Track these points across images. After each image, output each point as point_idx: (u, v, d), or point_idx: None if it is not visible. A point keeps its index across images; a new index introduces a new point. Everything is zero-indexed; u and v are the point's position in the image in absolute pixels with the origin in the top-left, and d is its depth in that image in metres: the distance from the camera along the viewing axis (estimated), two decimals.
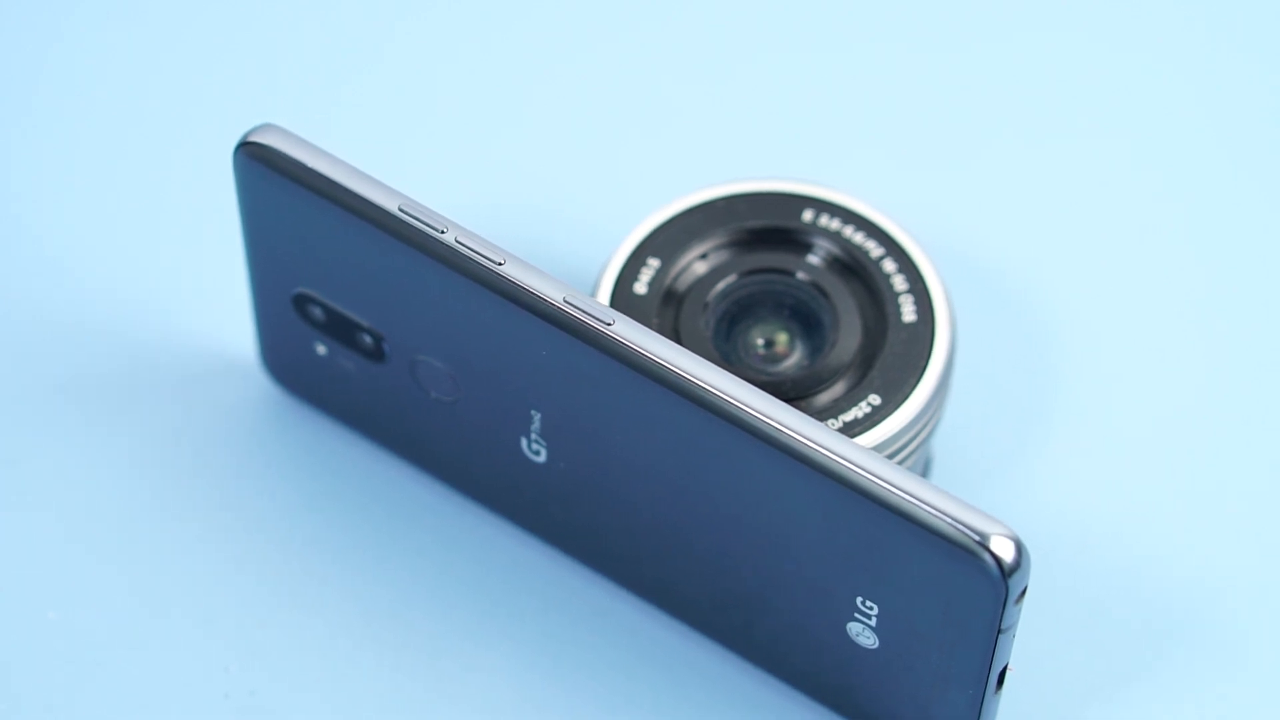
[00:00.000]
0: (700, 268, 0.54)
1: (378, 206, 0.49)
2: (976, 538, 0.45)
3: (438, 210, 0.49)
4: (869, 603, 0.48)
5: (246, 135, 0.50)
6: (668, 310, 0.53)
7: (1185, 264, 0.60)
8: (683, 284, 0.53)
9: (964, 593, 0.46)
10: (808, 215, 0.54)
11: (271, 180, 0.50)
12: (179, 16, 0.63)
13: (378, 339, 0.52)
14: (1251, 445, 0.56)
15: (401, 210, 0.49)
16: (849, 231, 0.54)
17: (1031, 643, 0.52)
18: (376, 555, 0.54)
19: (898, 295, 0.53)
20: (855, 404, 0.51)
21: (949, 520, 0.45)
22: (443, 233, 0.48)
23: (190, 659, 0.53)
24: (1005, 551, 0.45)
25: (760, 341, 0.53)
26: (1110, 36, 0.64)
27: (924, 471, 0.55)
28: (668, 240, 0.54)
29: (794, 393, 0.52)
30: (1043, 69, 0.63)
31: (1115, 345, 0.58)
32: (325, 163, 0.49)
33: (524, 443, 0.51)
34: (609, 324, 0.47)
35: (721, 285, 0.53)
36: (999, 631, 0.46)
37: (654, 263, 0.53)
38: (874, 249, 0.53)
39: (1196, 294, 0.59)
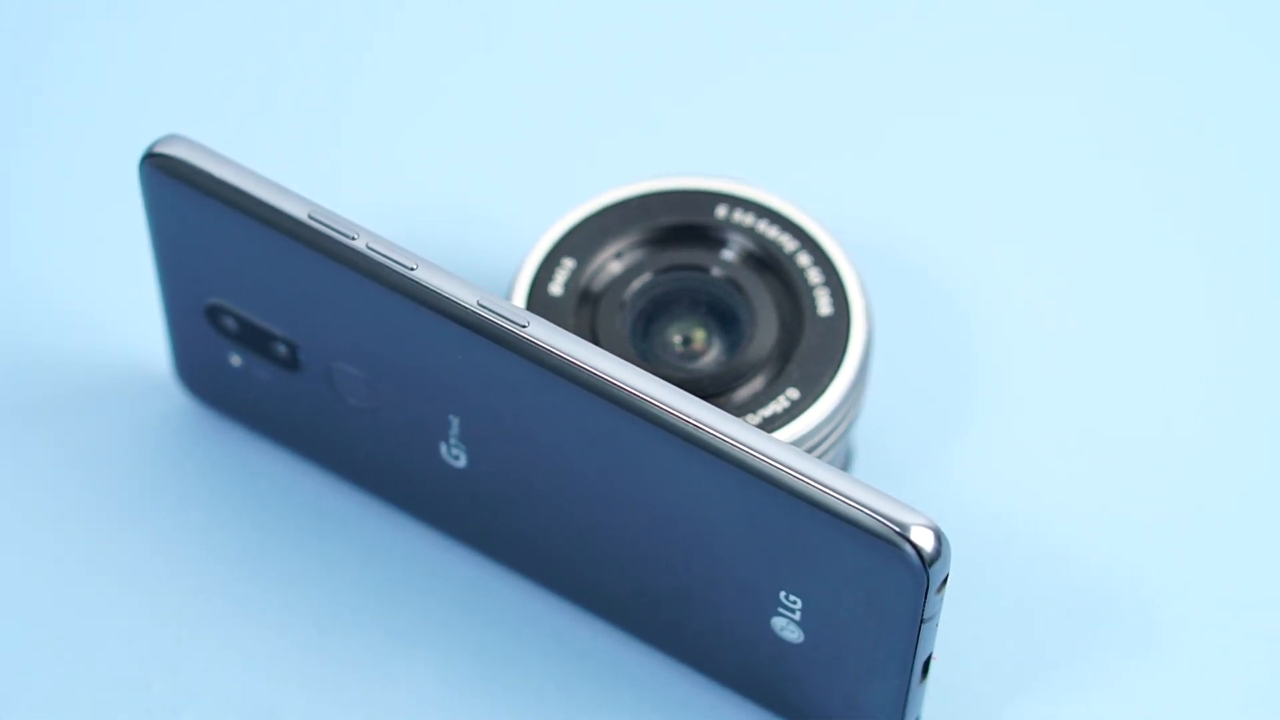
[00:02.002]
0: (615, 267, 0.54)
1: (287, 215, 0.49)
2: (896, 528, 0.45)
3: (348, 217, 0.49)
4: (793, 597, 0.48)
5: (152, 146, 0.50)
6: (584, 310, 0.53)
7: (1103, 252, 0.60)
8: (598, 284, 0.53)
9: (886, 584, 0.46)
10: (721, 211, 0.54)
11: (179, 191, 0.49)
12: (83, 27, 0.63)
13: (292, 348, 0.52)
14: (1171, 434, 0.57)
15: (311, 218, 0.48)
16: (763, 226, 0.54)
17: (955, 632, 0.52)
18: (298, 566, 0.54)
19: (813, 289, 0.53)
20: (774, 398, 0.51)
21: (868, 512, 0.45)
22: (353, 239, 0.48)
23: (111, 677, 0.52)
24: (925, 541, 0.45)
25: (678, 339, 0.53)
26: (1028, 23, 0.64)
27: (845, 464, 0.55)
28: (582, 240, 0.54)
29: (712, 389, 0.52)
30: (955, 57, 0.63)
31: (1033, 334, 0.58)
32: (233, 172, 0.49)
33: (443, 448, 0.51)
34: (524, 326, 0.47)
35: (637, 284, 0.53)
36: (922, 621, 0.46)
37: (569, 263, 0.53)
38: (788, 243, 0.53)
39: (1114, 282, 0.59)
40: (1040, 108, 0.63)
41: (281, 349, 0.52)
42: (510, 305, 0.48)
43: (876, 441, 0.56)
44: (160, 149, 0.49)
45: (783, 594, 0.48)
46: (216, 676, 0.52)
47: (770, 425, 0.51)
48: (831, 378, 0.52)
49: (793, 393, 0.52)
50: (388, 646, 0.53)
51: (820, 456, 0.52)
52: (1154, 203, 0.61)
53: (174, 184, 0.49)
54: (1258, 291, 0.59)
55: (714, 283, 0.53)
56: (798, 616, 0.48)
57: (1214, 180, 0.61)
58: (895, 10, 0.64)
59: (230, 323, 0.52)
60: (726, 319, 0.53)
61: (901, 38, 0.64)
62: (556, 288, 0.53)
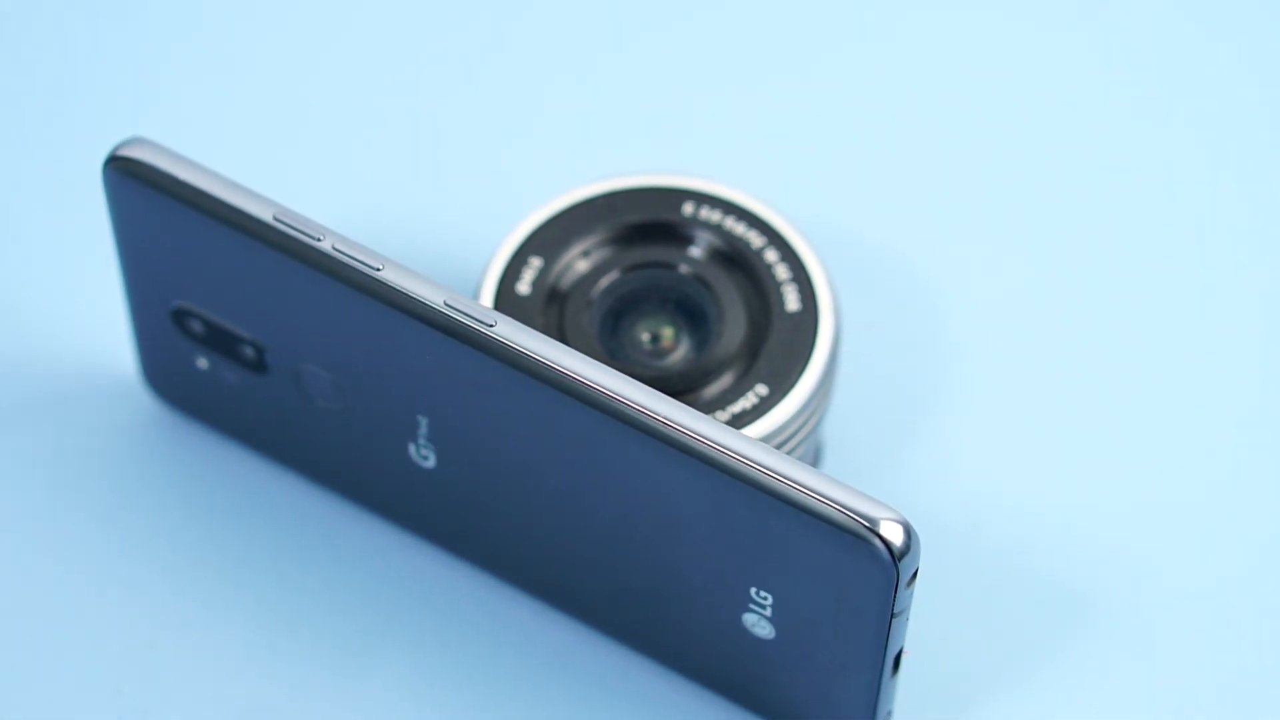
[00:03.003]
0: (583, 265, 0.54)
1: (252, 217, 0.48)
2: (865, 523, 0.45)
3: (313, 218, 0.49)
4: (763, 593, 0.48)
5: (115, 150, 0.49)
6: (552, 309, 0.53)
7: (1070, 247, 0.60)
8: (566, 282, 0.53)
9: (856, 578, 0.46)
10: (688, 208, 0.54)
11: (143, 194, 0.49)
12: (44, 30, 0.62)
13: (260, 350, 0.52)
14: (1137, 426, 0.57)
15: (276, 219, 0.48)
16: (730, 223, 0.54)
17: (926, 626, 0.52)
18: (268, 568, 0.54)
19: (780, 285, 0.53)
20: (743, 395, 0.51)
21: (837, 507, 0.45)
22: (319, 240, 0.48)
23: (81, 683, 0.52)
24: (894, 536, 0.45)
25: (646, 336, 0.53)
26: (993, 19, 0.64)
27: (815, 460, 0.55)
28: (549, 239, 0.53)
29: (681, 386, 0.52)
30: (921, 54, 0.63)
31: (1001, 327, 0.58)
32: (197, 175, 0.49)
33: (412, 448, 0.51)
34: (491, 325, 0.47)
35: (605, 282, 0.53)
36: (892, 616, 0.46)
37: (536, 262, 0.53)
38: (755, 239, 0.53)
39: (1081, 275, 0.60)
40: (1006, 103, 0.63)
41: (248, 351, 0.52)
42: (477, 305, 0.47)
43: (846, 437, 0.56)
44: (124, 152, 0.49)
45: (753, 590, 0.48)
46: (187, 681, 0.52)
47: (739, 422, 0.51)
48: (800, 373, 0.52)
49: (761, 389, 0.52)
50: (359, 648, 0.53)
51: (790, 452, 0.52)
52: (1119, 197, 0.61)
53: (138, 187, 0.49)
54: (1222, 284, 0.59)
55: (682, 280, 0.53)
56: (769, 613, 0.48)
57: (1179, 174, 0.61)
58: (860, 8, 0.64)
59: (197, 326, 0.52)
60: (694, 316, 0.53)
61: (868, 34, 0.64)
62: (524, 287, 0.53)
